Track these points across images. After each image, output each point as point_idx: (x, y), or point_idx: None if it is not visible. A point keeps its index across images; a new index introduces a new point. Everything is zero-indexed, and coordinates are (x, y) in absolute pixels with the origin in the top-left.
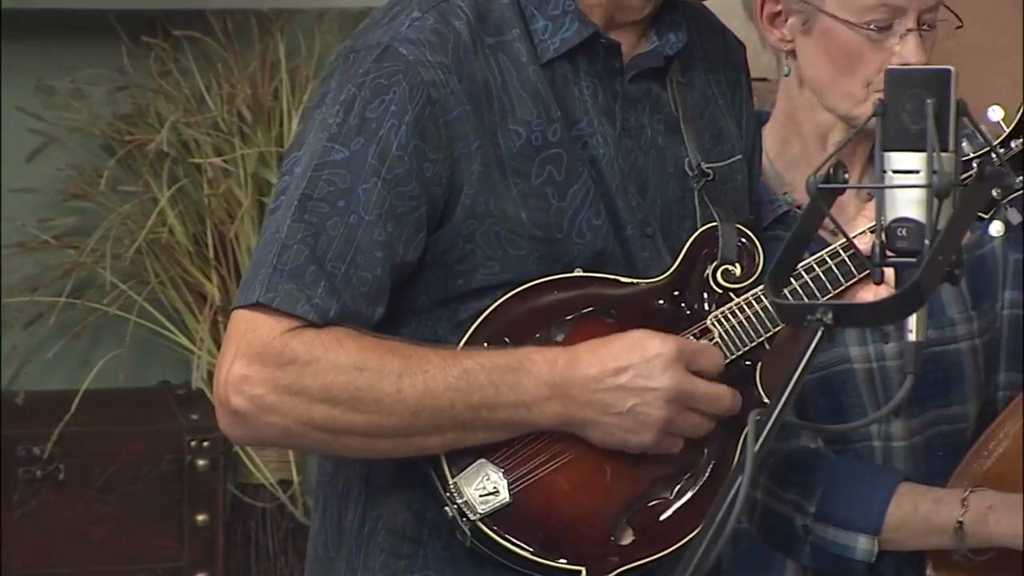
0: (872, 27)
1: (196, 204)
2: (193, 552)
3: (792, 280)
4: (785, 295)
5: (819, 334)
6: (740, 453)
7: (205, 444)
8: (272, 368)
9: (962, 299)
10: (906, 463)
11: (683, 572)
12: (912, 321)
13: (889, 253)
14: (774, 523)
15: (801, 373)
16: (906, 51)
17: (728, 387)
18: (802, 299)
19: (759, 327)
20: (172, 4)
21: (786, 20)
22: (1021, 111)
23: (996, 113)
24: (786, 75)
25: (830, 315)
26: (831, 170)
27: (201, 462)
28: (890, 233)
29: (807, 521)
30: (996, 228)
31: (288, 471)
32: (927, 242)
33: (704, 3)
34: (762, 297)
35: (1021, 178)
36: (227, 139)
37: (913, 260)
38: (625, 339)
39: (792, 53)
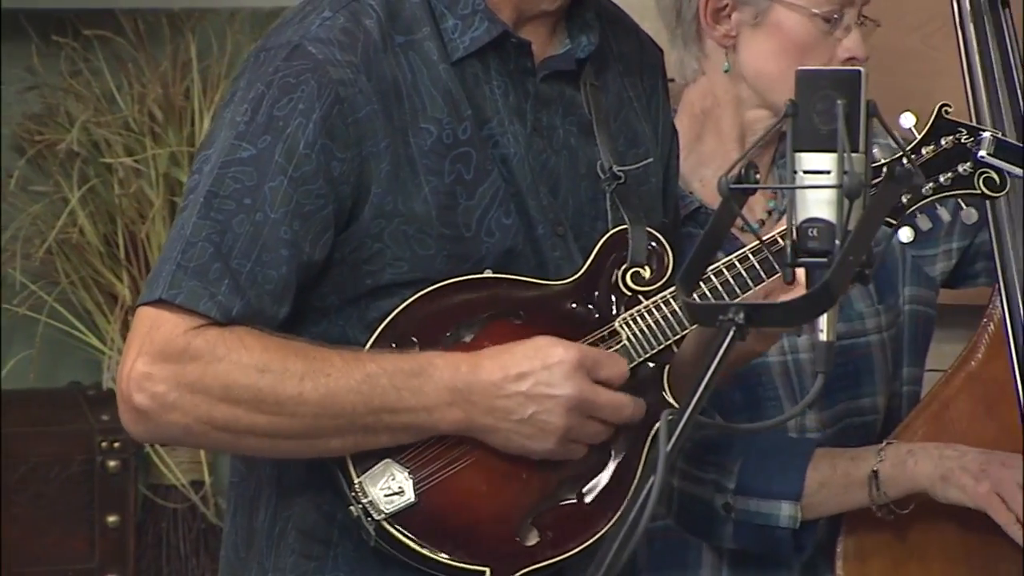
0: (830, 16)
1: (107, 204)
2: (104, 553)
3: (701, 284)
4: (695, 296)
5: (731, 334)
6: (651, 452)
7: (116, 445)
8: (174, 366)
9: (869, 294)
10: None
11: (596, 571)
12: (823, 321)
13: (800, 253)
14: (694, 508)
15: (713, 373)
16: (852, 43)
17: (630, 396)
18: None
19: (667, 330)
20: (82, 4)
21: (730, 15)
22: (932, 120)
23: (908, 119)
24: (727, 71)
25: (741, 315)
26: (742, 171)
27: (112, 463)
28: (801, 233)
29: (728, 498)
30: (905, 235)
31: (200, 472)
32: (838, 242)
33: (618, 5)
34: (671, 300)
35: (931, 184)
36: (138, 139)
37: (824, 260)
38: (528, 345)
39: (733, 49)
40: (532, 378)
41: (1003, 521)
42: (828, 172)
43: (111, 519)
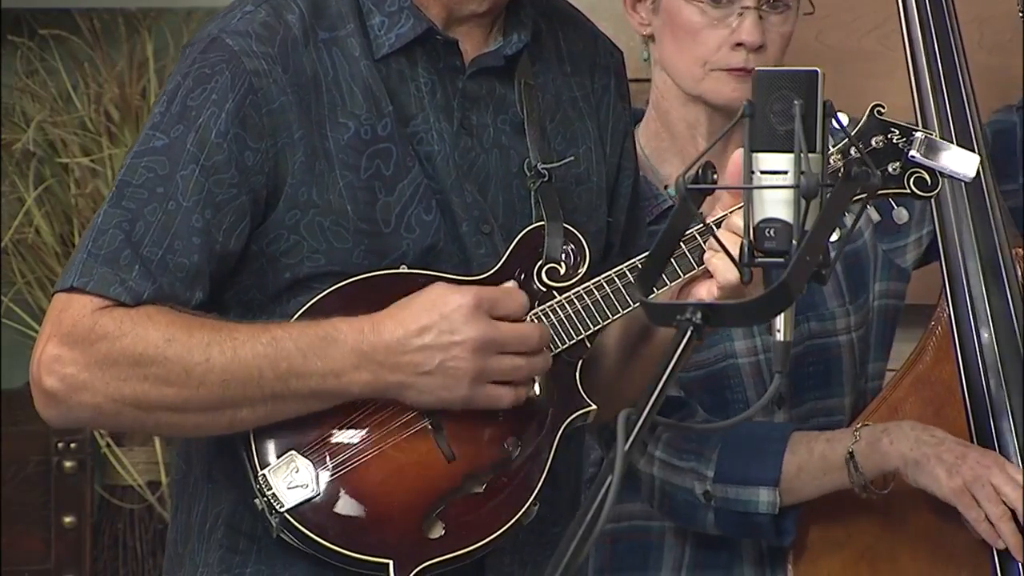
0: (706, 1)
1: (63, 204)
2: (60, 554)
3: (628, 272)
4: (655, 293)
5: (688, 334)
6: (609, 452)
7: (72, 446)
8: (83, 346)
9: (841, 294)
10: None
11: (553, 572)
12: (780, 321)
13: (757, 253)
14: (675, 496)
15: (671, 372)
16: (741, 29)
17: (533, 324)
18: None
19: (579, 325)
20: (38, 3)
21: (641, 3)
22: (863, 119)
23: (842, 119)
24: (645, 60)
25: (699, 315)
26: (700, 171)
27: (68, 463)
28: (758, 233)
29: (708, 486)
30: (832, 234)
31: (156, 472)
32: (795, 242)
33: (574, 5)
34: (584, 295)
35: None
36: (94, 139)
37: (781, 260)
38: (424, 297)
39: (652, 37)
40: (434, 329)
41: (972, 518)
42: (785, 172)
43: (67, 520)
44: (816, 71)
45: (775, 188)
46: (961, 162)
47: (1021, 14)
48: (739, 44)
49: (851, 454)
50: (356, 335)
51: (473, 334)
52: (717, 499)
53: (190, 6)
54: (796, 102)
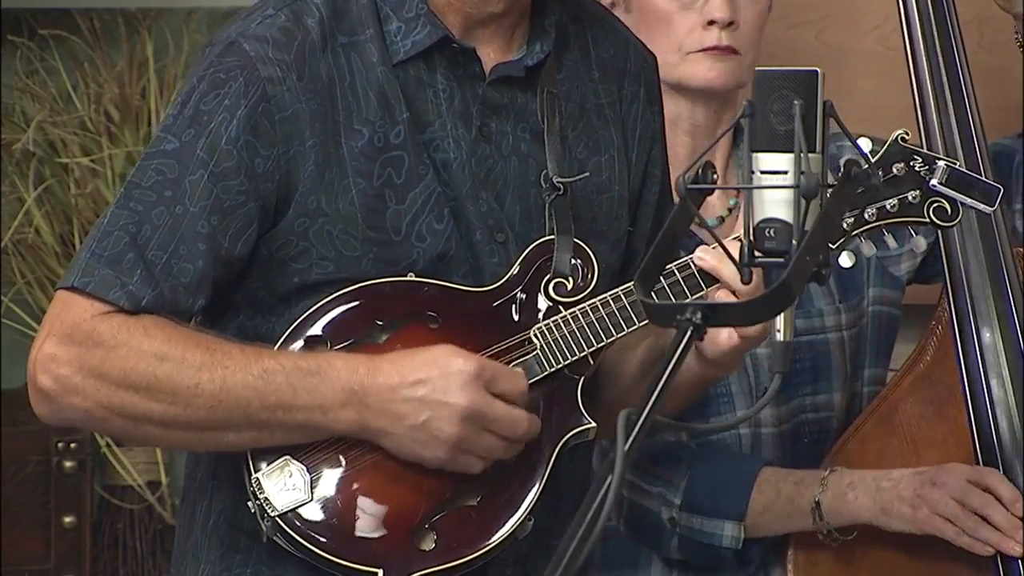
0: None
1: (63, 204)
2: (60, 554)
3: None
4: (653, 295)
5: (688, 334)
6: (610, 451)
7: (72, 446)
8: (79, 349)
9: (830, 292)
10: (774, 450)
11: (552, 572)
12: (780, 321)
13: (757, 253)
14: (641, 518)
15: (671, 372)
16: (711, 6)
17: (526, 412)
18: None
19: (582, 341)
20: (38, 3)
21: (614, 5)
22: (886, 146)
23: (865, 144)
24: None
25: (699, 315)
26: (699, 171)
27: (68, 463)
28: (758, 233)
29: (673, 513)
30: (845, 260)
31: (156, 472)
32: (795, 242)
33: (608, 11)
34: (589, 311)
35: (875, 210)
36: (94, 139)
37: (781, 260)
38: (429, 353)
39: None
40: (429, 385)
41: (951, 537)
42: (785, 172)
43: (67, 520)
44: (816, 71)
45: (775, 188)
46: (983, 193)
47: (1020, 44)
48: (711, 22)
49: (817, 503)
50: (349, 373)
51: (464, 402)
52: (682, 527)
53: (190, 6)
54: (796, 102)
